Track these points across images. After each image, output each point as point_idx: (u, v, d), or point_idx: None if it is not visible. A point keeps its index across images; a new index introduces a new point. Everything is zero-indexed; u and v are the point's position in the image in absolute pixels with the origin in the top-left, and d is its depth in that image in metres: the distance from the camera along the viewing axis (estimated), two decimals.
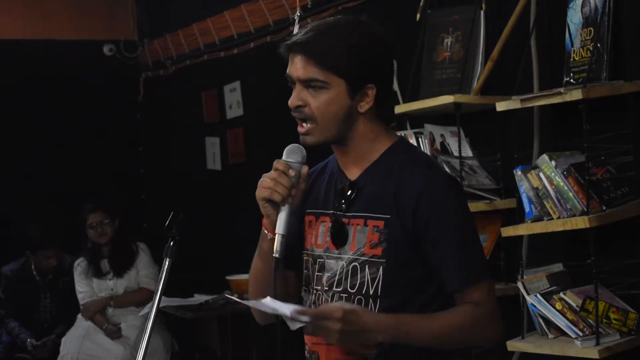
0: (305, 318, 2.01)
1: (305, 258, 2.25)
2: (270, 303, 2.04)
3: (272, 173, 2.13)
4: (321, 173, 2.29)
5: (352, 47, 2.10)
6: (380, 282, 2.11)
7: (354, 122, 2.15)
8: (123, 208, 6.13)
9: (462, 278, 2.09)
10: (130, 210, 6.60)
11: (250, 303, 2.13)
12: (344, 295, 2.15)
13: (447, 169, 3.76)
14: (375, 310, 2.12)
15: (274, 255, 2.12)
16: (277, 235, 2.12)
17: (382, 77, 2.16)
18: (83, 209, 5.90)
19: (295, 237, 2.25)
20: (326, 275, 2.19)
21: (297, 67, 2.12)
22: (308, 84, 2.12)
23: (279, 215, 2.13)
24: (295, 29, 3.97)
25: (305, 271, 2.25)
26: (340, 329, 1.97)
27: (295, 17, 4.27)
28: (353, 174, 2.19)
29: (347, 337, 2.00)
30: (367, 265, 2.12)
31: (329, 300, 2.17)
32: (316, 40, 2.11)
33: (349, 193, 2.17)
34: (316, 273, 2.21)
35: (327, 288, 2.18)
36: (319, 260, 2.21)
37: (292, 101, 2.14)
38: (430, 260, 2.11)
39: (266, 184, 2.11)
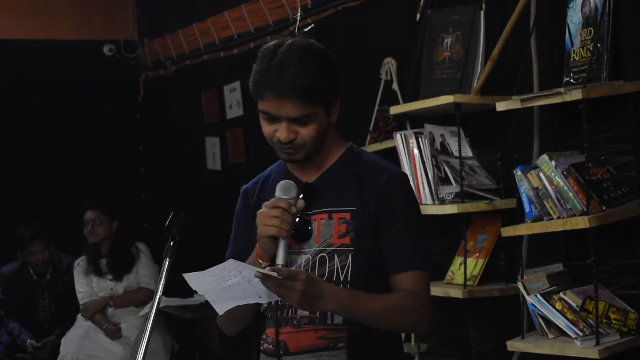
0: (274, 274, 2.10)
1: None
2: (233, 265, 2.12)
3: (275, 211, 2.24)
4: (266, 181, 2.47)
5: (323, 75, 2.27)
6: (350, 268, 2.30)
7: (327, 134, 2.36)
8: (123, 208, 6.12)
9: (403, 262, 2.30)
10: (130, 210, 6.60)
11: (210, 271, 2.15)
12: None
13: (447, 170, 3.76)
14: None
15: None
16: (279, 265, 2.22)
17: (340, 86, 2.35)
18: (82, 208, 5.90)
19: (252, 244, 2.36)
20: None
21: (287, 108, 2.25)
22: (298, 120, 2.27)
23: (280, 247, 2.24)
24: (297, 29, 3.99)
25: None
26: (303, 290, 2.11)
27: (297, 17, 4.28)
28: (309, 177, 2.38)
29: (305, 300, 2.14)
30: (336, 254, 2.31)
31: None
32: (299, 79, 2.23)
33: (307, 193, 2.33)
34: None
35: None
36: None
37: (288, 136, 2.27)
38: (382, 246, 2.32)
39: (270, 222, 2.23)
